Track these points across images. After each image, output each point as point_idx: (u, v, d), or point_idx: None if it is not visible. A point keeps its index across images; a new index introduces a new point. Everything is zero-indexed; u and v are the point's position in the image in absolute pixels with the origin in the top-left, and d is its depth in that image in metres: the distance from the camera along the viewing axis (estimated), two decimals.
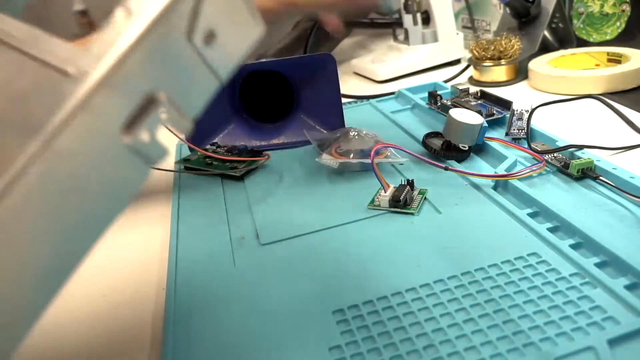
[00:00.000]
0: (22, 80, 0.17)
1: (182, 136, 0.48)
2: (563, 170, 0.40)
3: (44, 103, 0.16)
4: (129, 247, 0.39)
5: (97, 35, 0.16)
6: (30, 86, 0.16)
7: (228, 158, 0.48)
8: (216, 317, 0.30)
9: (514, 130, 0.47)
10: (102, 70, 0.16)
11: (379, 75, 0.74)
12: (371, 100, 0.63)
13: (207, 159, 0.49)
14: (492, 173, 0.39)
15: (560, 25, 0.70)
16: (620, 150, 0.43)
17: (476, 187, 0.39)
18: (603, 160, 0.39)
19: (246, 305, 0.30)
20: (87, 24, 1.27)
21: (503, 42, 0.64)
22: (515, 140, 0.46)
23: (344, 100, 0.62)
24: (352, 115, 0.59)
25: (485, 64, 0.65)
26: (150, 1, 0.16)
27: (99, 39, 0.16)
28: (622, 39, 0.68)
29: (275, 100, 0.55)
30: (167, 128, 0.19)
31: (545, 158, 0.41)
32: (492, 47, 0.65)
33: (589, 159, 0.39)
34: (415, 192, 0.39)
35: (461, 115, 0.44)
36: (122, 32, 0.16)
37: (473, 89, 0.56)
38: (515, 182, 0.38)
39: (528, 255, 0.31)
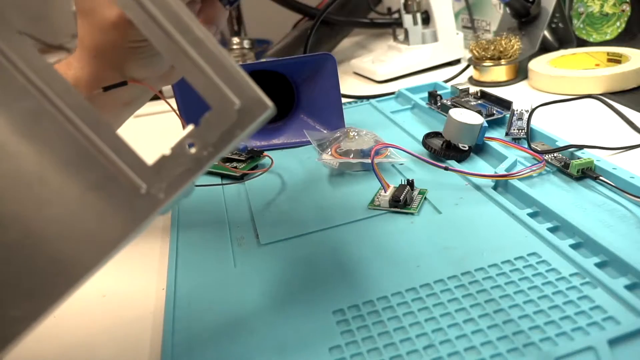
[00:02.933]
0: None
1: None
2: (563, 170, 0.40)
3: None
4: (129, 247, 0.39)
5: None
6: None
7: (228, 157, 0.48)
8: (216, 318, 0.30)
9: (514, 130, 0.47)
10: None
11: (378, 75, 0.74)
12: (371, 100, 0.63)
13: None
14: (492, 173, 0.39)
15: (560, 25, 0.70)
16: (620, 150, 0.43)
17: (476, 187, 0.39)
18: (603, 160, 0.39)
19: (246, 305, 0.30)
20: None
21: (503, 42, 0.64)
22: (515, 140, 0.46)
23: (344, 100, 0.62)
24: (352, 115, 0.59)
25: (485, 64, 0.65)
26: None
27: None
28: (622, 39, 0.68)
29: (275, 100, 0.55)
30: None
31: (545, 158, 0.41)
32: (492, 47, 0.65)
33: (589, 159, 0.39)
34: (415, 192, 0.39)
35: (461, 115, 0.44)
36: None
37: (473, 89, 0.56)
38: (515, 182, 0.38)
39: (528, 255, 0.31)
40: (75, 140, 0.20)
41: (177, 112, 0.50)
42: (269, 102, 0.20)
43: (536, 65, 0.62)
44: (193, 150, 0.21)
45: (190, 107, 0.50)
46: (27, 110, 0.20)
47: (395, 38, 0.80)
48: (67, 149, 0.21)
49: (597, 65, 0.60)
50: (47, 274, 0.21)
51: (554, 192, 0.38)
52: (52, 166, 0.21)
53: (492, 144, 0.45)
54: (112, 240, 0.21)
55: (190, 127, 0.21)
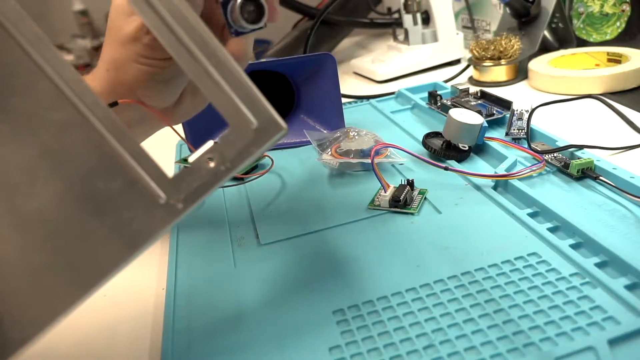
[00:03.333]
0: None
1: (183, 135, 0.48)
2: (563, 170, 0.40)
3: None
4: None
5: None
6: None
7: None
8: (216, 318, 0.30)
9: (514, 130, 0.47)
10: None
11: (378, 75, 0.74)
12: (371, 100, 0.63)
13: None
14: (492, 173, 0.39)
15: (560, 25, 0.70)
16: (620, 150, 0.43)
17: (476, 187, 0.39)
18: (603, 160, 0.39)
19: (246, 305, 0.30)
20: (87, 24, 1.27)
21: (503, 42, 0.64)
22: (515, 140, 0.46)
23: (344, 100, 0.62)
24: (352, 115, 0.59)
25: (485, 64, 0.65)
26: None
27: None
28: (622, 39, 0.68)
29: (275, 100, 0.55)
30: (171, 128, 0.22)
31: (545, 158, 0.41)
32: (492, 47, 0.65)
33: (589, 159, 0.39)
34: (415, 192, 0.39)
35: (461, 115, 0.44)
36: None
37: (473, 89, 0.56)
38: (515, 182, 0.38)
39: (528, 255, 0.31)
40: (100, 150, 0.21)
41: (184, 137, 0.50)
42: (283, 124, 0.22)
43: (536, 65, 0.62)
44: (212, 164, 0.22)
45: (196, 132, 0.50)
46: (59, 121, 0.21)
47: (395, 38, 0.80)
48: (91, 158, 0.22)
49: (597, 65, 0.60)
50: (74, 271, 0.23)
51: (554, 192, 0.38)
52: (75, 175, 0.22)
53: (492, 144, 0.45)
54: (132, 246, 0.23)
55: (210, 143, 0.22)
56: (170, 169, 0.51)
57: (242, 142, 0.22)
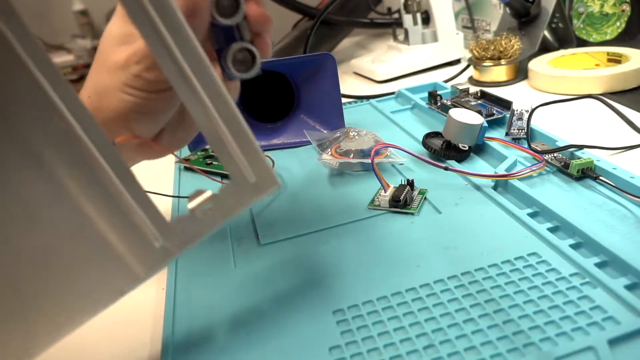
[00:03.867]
0: None
1: None
2: (563, 170, 0.40)
3: None
4: None
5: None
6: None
7: None
8: (216, 317, 0.30)
9: (514, 130, 0.47)
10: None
11: (378, 75, 0.74)
12: (371, 100, 0.63)
13: (207, 159, 0.49)
14: (492, 173, 0.39)
15: (560, 25, 0.70)
16: (620, 150, 0.43)
17: (476, 187, 0.39)
18: (603, 160, 0.39)
19: (246, 305, 0.30)
20: (87, 24, 1.27)
21: (503, 42, 0.64)
22: (515, 140, 0.46)
23: (344, 100, 0.62)
24: (352, 115, 0.59)
25: (485, 64, 0.65)
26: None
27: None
28: (622, 39, 0.68)
29: (275, 100, 0.55)
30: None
31: (545, 158, 0.41)
32: (492, 47, 0.65)
33: (589, 159, 0.39)
34: (415, 192, 0.39)
35: (461, 115, 0.44)
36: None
37: (473, 89, 0.56)
38: (515, 182, 0.38)
39: (528, 255, 0.31)
40: (104, 191, 0.22)
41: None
42: (278, 180, 0.24)
43: (536, 65, 0.62)
44: (210, 213, 0.24)
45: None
46: (67, 158, 0.21)
47: (395, 38, 0.80)
48: (95, 197, 0.22)
49: (597, 65, 0.60)
50: (58, 306, 0.23)
51: (554, 192, 0.38)
52: (75, 211, 0.22)
53: (492, 144, 0.45)
54: (123, 283, 0.24)
55: (209, 193, 0.24)
56: (170, 169, 0.51)
57: (240, 194, 0.24)
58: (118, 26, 0.29)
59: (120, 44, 0.28)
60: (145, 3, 0.21)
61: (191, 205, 0.23)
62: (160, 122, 0.31)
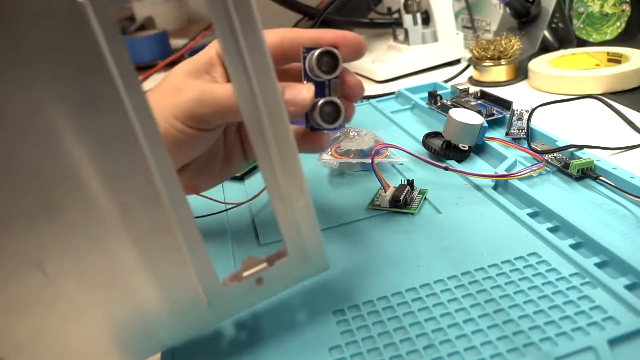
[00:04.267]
0: None
1: None
2: (563, 170, 0.40)
3: None
4: None
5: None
6: None
7: None
8: None
9: (514, 130, 0.47)
10: None
11: (379, 75, 0.74)
12: (371, 100, 0.63)
13: None
14: (492, 173, 0.39)
15: (560, 25, 0.70)
16: (620, 150, 0.43)
17: (476, 187, 0.39)
18: (603, 160, 0.39)
19: None
20: None
21: (503, 42, 0.64)
22: (515, 140, 0.46)
23: None
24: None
25: (485, 64, 0.65)
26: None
27: None
28: (622, 39, 0.68)
29: None
30: None
31: (545, 158, 0.41)
32: (492, 47, 0.65)
33: (589, 159, 0.39)
34: (415, 192, 0.39)
35: (461, 115, 0.44)
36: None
37: (473, 89, 0.56)
38: (515, 182, 0.38)
39: (528, 255, 0.31)
40: (169, 241, 0.22)
41: None
42: (328, 264, 0.26)
43: (536, 65, 0.62)
44: (260, 285, 0.25)
45: None
46: (148, 220, 0.22)
47: (395, 38, 0.80)
48: (158, 246, 0.22)
49: (597, 65, 0.60)
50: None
51: (554, 192, 0.38)
52: (138, 260, 0.22)
53: (492, 144, 0.45)
54: (166, 338, 0.24)
55: (264, 264, 0.25)
56: None
57: (293, 272, 0.25)
58: (193, 62, 0.30)
59: (186, 74, 0.29)
60: (244, 55, 0.22)
61: (246, 273, 0.24)
62: (184, 158, 0.31)
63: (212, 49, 0.30)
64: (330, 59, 0.29)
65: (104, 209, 0.21)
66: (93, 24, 0.18)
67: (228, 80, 0.30)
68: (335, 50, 0.29)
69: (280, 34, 0.30)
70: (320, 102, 0.29)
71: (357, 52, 0.30)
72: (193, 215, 0.22)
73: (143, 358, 0.24)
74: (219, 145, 0.33)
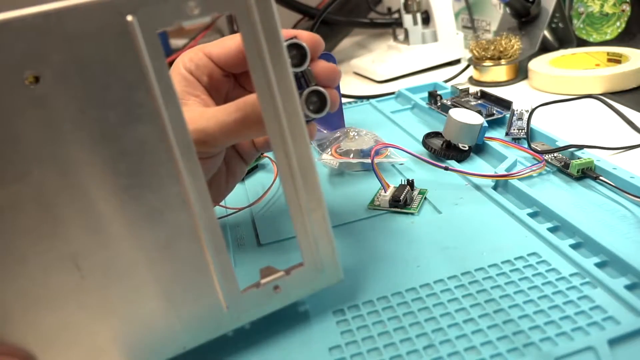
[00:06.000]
0: None
1: None
2: (563, 170, 0.40)
3: None
4: None
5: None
6: None
7: None
8: None
9: (514, 130, 0.47)
10: None
11: (379, 75, 0.74)
12: (371, 100, 0.63)
13: None
14: (492, 173, 0.39)
15: (560, 25, 0.70)
16: (620, 150, 0.43)
17: (476, 187, 0.39)
18: (603, 160, 0.39)
19: None
20: None
21: (503, 42, 0.64)
22: (515, 140, 0.46)
23: (344, 100, 0.62)
24: (352, 115, 0.59)
25: (485, 64, 0.65)
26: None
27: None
28: (622, 39, 0.68)
29: None
30: None
31: (545, 158, 0.41)
32: (492, 47, 0.65)
33: (589, 159, 0.39)
34: (415, 192, 0.39)
35: (461, 115, 0.44)
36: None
37: (473, 89, 0.56)
38: (515, 182, 0.38)
39: (528, 255, 0.31)
40: (195, 260, 0.24)
41: None
42: (342, 275, 0.27)
43: (536, 65, 0.62)
44: (277, 292, 0.26)
45: None
46: (174, 222, 0.23)
47: (395, 38, 0.80)
48: (187, 265, 0.23)
49: (597, 65, 0.60)
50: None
51: (554, 192, 0.38)
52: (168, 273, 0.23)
53: (492, 144, 0.45)
54: (184, 340, 0.25)
55: (281, 273, 0.26)
56: None
57: (307, 281, 0.26)
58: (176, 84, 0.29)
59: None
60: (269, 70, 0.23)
61: (264, 281, 0.25)
62: None
63: (178, 66, 0.30)
64: (297, 51, 0.28)
65: (135, 211, 0.22)
66: (139, 42, 0.20)
67: (210, 94, 0.31)
68: (298, 41, 0.28)
69: (239, 38, 0.30)
70: (305, 92, 0.28)
71: (318, 43, 0.29)
72: (218, 222, 0.23)
73: (162, 359, 0.24)
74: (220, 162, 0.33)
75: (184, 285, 0.24)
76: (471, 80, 0.68)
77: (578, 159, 0.39)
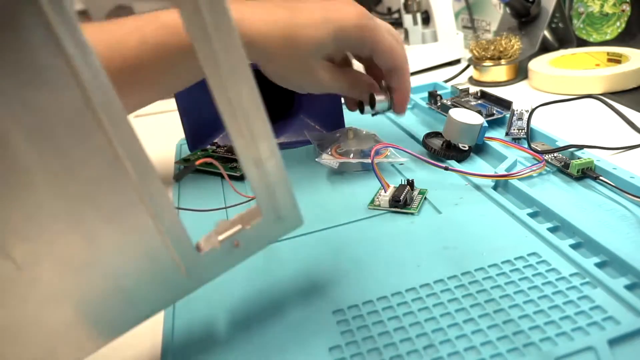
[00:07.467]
0: None
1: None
2: (563, 170, 0.40)
3: None
4: None
5: None
6: None
7: (229, 157, 0.48)
8: (216, 317, 0.30)
9: (514, 130, 0.47)
10: None
11: None
12: None
13: (206, 159, 0.49)
14: (492, 173, 0.39)
15: (560, 25, 0.70)
16: (620, 150, 0.43)
17: (476, 187, 0.39)
18: (603, 160, 0.39)
19: (246, 305, 0.30)
20: None
21: (503, 42, 0.64)
22: (515, 140, 0.46)
23: (343, 100, 0.61)
24: (352, 115, 0.59)
25: (485, 63, 0.65)
26: None
27: None
28: (622, 39, 0.68)
29: (275, 101, 0.55)
30: None
31: (545, 158, 0.41)
32: (492, 47, 0.65)
33: (589, 159, 0.39)
34: (415, 192, 0.39)
35: (461, 115, 0.44)
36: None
37: (473, 89, 0.56)
38: (515, 182, 0.38)
39: (528, 255, 0.31)
40: (140, 209, 0.21)
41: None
42: (303, 220, 0.25)
43: (536, 65, 0.62)
44: (236, 246, 0.25)
45: (196, 133, 0.51)
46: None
47: None
48: (131, 218, 0.21)
49: (597, 65, 0.60)
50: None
51: (554, 192, 0.38)
52: (113, 231, 0.22)
53: (492, 144, 0.45)
54: (146, 310, 0.24)
55: (238, 227, 0.24)
56: (169, 168, 0.51)
57: (267, 231, 0.25)
58: None
59: (325, 58, 0.42)
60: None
61: (221, 237, 0.24)
62: None
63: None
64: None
65: (69, 187, 0.20)
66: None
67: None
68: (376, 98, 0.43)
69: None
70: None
71: (403, 103, 0.45)
72: (161, 183, 0.21)
73: (123, 332, 0.24)
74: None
75: (135, 252, 0.22)
76: (471, 80, 0.68)
77: (578, 159, 0.39)
